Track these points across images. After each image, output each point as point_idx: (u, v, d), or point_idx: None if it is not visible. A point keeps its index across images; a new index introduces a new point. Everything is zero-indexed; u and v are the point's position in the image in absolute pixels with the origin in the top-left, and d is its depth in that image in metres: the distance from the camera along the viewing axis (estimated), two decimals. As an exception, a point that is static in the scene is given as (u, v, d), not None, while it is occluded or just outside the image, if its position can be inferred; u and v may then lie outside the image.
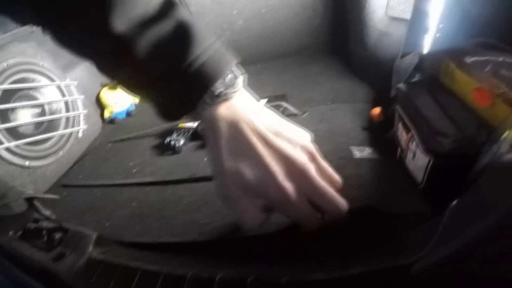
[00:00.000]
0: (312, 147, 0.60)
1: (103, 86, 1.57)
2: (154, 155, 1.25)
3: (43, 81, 1.33)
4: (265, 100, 1.25)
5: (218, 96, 0.55)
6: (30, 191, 1.20)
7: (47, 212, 0.95)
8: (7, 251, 0.86)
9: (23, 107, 1.26)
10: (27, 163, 1.21)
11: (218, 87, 0.54)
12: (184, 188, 1.01)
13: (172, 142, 1.22)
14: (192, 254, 0.74)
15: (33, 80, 1.31)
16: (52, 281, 0.76)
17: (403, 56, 0.99)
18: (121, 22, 0.50)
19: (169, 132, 1.28)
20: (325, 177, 0.59)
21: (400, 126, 0.85)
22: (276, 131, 0.57)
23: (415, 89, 0.86)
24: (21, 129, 1.23)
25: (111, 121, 1.53)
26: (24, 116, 1.26)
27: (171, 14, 0.54)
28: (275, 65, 1.65)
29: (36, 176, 1.23)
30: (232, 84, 0.56)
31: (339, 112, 1.15)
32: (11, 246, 0.87)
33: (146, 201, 1.01)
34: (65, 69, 1.45)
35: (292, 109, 1.20)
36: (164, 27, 0.53)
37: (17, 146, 1.19)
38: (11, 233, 0.90)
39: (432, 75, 0.87)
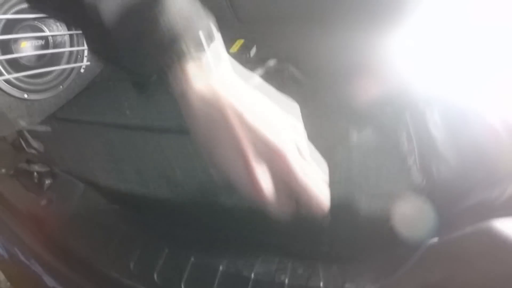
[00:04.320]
0: (300, 141, 0.53)
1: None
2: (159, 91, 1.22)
3: None
4: (272, 61, 1.20)
5: (188, 54, 0.50)
6: (24, 124, 1.21)
7: (35, 144, 0.96)
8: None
9: (26, 38, 1.23)
10: (25, 95, 1.20)
11: (188, 44, 0.49)
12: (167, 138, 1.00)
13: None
14: (167, 216, 0.75)
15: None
16: (38, 225, 0.79)
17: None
18: None
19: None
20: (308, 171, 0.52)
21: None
22: (260, 116, 0.51)
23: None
24: (22, 61, 1.22)
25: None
26: (27, 48, 1.23)
27: None
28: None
29: (33, 109, 1.25)
30: (204, 44, 0.51)
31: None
32: (2, 184, 0.88)
33: (129, 146, 1.02)
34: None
35: (297, 74, 1.15)
36: None
37: (17, 78, 1.18)
38: (3, 170, 0.92)
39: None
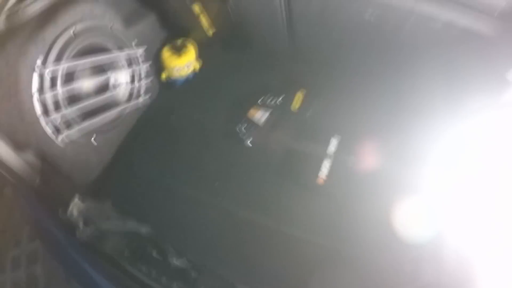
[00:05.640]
0: None
1: (162, 43, 1.46)
2: (227, 145, 1.32)
3: (110, 45, 1.27)
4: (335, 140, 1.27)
5: None
6: (94, 162, 1.26)
7: (143, 229, 1.02)
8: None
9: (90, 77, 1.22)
10: (92, 139, 1.24)
11: None
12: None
13: (243, 132, 1.30)
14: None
15: (101, 45, 1.25)
16: None
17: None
18: None
19: (237, 117, 1.34)
20: None
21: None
22: None
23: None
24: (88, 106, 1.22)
25: (168, 84, 1.48)
26: (90, 87, 1.23)
27: None
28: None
29: (100, 147, 1.29)
30: None
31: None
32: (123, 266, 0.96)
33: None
34: (128, 22, 1.34)
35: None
36: None
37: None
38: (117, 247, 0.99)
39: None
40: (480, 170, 1.06)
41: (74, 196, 1.05)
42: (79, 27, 1.16)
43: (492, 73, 1.11)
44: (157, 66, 1.47)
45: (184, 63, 1.42)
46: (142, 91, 1.37)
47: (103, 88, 1.27)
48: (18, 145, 1.12)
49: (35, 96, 1.09)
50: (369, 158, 1.22)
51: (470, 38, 1.11)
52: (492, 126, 1.09)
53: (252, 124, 1.31)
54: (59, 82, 1.13)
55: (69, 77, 1.16)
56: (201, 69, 1.54)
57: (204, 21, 1.42)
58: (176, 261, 0.95)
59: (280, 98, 1.37)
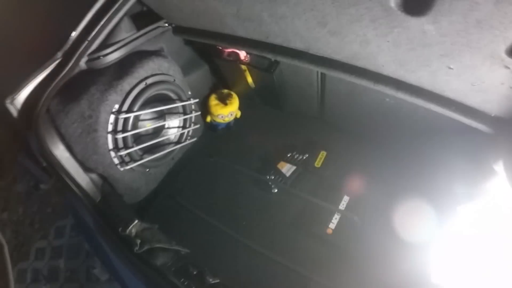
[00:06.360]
0: None
1: (211, 89, 1.71)
2: (256, 190, 1.58)
3: (172, 95, 1.54)
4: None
5: None
6: (143, 188, 1.51)
7: (183, 251, 1.28)
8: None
9: (150, 121, 1.47)
10: (147, 170, 1.49)
11: None
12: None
13: (272, 180, 1.55)
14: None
15: (164, 95, 1.52)
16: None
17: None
18: None
19: (267, 167, 1.60)
20: None
21: None
22: None
23: None
24: (143, 139, 1.49)
25: (211, 126, 1.76)
26: (150, 128, 1.48)
27: None
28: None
29: (149, 178, 1.54)
30: None
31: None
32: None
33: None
34: (185, 72, 1.61)
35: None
36: None
37: (142, 157, 1.44)
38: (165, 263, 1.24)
39: None
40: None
41: (133, 218, 1.29)
42: (151, 79, 1.41)
43: (482, 161, 1.37)
44: (203, 110, 1.73)
45: (228, 112, 1.68)
46: (190, 134, 1.62)
47: (160, 129, 1.52)
48: (88, 169, 1.37)
49: (110, 135, 1.35)
50: (373, 218, 1.48)
51: (469, 130, 1.37)
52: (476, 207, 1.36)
53: (280, 175, 1.57)
54: (130, 124, 1.38)
55: (137, 120, 1.41)
56: (240, 118, 1.81)
57: (249, 78, 1.68)
58: (210, 280, 1.21)
59: (305, 156, 1.63)
